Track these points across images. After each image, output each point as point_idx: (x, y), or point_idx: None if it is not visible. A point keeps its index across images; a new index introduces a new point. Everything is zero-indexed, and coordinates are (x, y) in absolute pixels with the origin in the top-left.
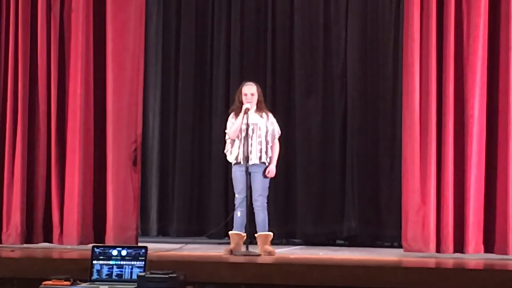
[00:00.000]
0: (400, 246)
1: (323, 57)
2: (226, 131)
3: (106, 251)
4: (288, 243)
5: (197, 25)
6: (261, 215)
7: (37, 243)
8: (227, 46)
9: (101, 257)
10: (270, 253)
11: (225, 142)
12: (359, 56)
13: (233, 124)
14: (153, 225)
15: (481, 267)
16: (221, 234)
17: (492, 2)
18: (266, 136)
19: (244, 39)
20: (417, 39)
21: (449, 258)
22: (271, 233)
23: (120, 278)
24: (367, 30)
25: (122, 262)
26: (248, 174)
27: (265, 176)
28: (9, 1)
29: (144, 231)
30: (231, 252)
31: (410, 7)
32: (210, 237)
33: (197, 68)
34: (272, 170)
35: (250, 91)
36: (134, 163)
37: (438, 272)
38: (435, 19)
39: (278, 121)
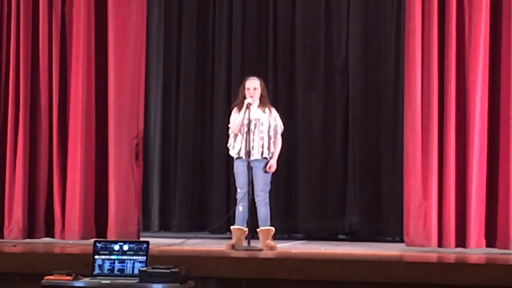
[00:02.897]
0: (402, 241)
1: (325, 52)
2: (229, 125)
3: (108, 246)
4: (290, 238)
5: (199, 20)
6: (263, 210)
7: (39, 238)
8: (228, 41)
9: (103, 252)
10: (271, 248)
11: (227, 136)
12: (361, 51)
13: (236, 119)
14: (155, 220)
15: (482, 262)
16: (223, 229)
17: None
18: (268, 131)
19: (246, 34)
20: (419, 34)
21: (451, 252)
22: (273, 228)
23: (122, 273)
24: (369, 25)
25: (123, 257)
26: (250, 169)
27: (266, 171)
28: None
29: (145, 226)
30: (233, 247)
31: (411, 1)
32: (211, 232)
33: (199, 63)
34: (273, 165)
35: (253, 85)
36: (136, 158)
37: (440, 266)
38: (437, 14)
39: (280, 116)
